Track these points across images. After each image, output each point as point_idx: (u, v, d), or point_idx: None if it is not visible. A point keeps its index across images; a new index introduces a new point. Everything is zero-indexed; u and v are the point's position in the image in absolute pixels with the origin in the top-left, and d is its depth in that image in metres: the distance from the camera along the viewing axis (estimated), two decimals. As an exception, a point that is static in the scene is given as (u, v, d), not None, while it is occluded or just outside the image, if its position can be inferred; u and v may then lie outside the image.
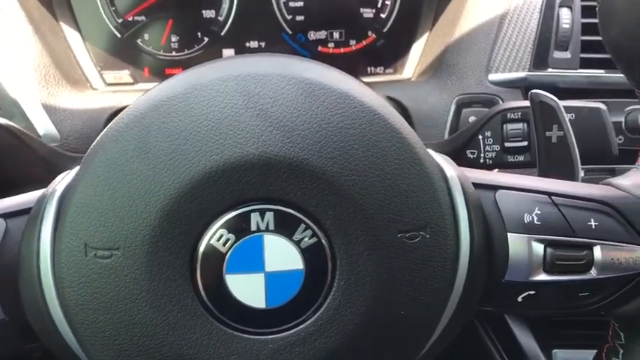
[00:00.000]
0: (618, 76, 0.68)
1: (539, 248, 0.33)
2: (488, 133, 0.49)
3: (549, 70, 0.63)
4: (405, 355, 0.32)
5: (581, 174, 0.41)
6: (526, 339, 0.75)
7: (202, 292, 0.29)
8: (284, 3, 0.70)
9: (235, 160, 0.28)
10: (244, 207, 0.28)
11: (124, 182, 0.28)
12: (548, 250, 0.33)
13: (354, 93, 0.30)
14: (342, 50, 0.73)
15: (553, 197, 0.33)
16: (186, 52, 0.71)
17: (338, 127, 0.29)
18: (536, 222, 0.33)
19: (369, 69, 0.74)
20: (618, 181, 0.35)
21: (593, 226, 0.32)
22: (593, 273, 0.33)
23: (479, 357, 0.73)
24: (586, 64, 0.65)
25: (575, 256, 0.32)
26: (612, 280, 0.33)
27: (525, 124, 0.49)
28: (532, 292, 0.33)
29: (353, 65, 0.74)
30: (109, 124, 0.30)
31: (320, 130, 0.28)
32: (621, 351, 0.36)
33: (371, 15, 0.73)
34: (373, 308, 0.29)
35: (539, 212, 0.33)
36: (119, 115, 0.30)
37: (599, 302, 0.34)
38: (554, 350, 0.74)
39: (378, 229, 0.29)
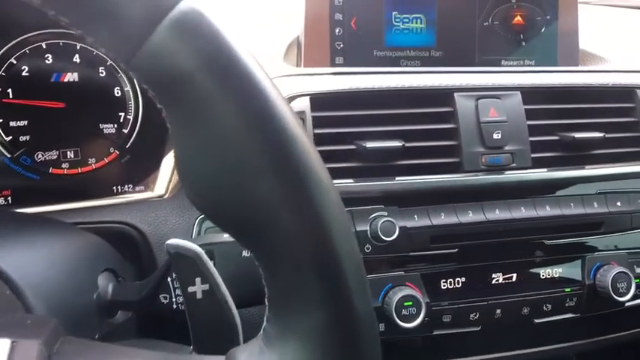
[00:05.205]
0: (367, 185, 0.67)
1: None
2: (175, 276, 0.43)
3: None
4: None
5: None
6: None
7: None
8: (1, 123, 0.62)
9: None
10: None
11: None
12: None
13: None
14: (79, 170, 0.65)
15: None
16: None
17: None
18: None
19: (115, 188, 0.67)
20: (238, 352, 0.30)
21: None
22: None
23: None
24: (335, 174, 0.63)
25: None
26: None
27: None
28: None
29: (94, 185, 0.66)
30: None
31: None
32: None
33: (112, 130, 0.67)
34: None
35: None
36: None
37: None
38: None
39: None
